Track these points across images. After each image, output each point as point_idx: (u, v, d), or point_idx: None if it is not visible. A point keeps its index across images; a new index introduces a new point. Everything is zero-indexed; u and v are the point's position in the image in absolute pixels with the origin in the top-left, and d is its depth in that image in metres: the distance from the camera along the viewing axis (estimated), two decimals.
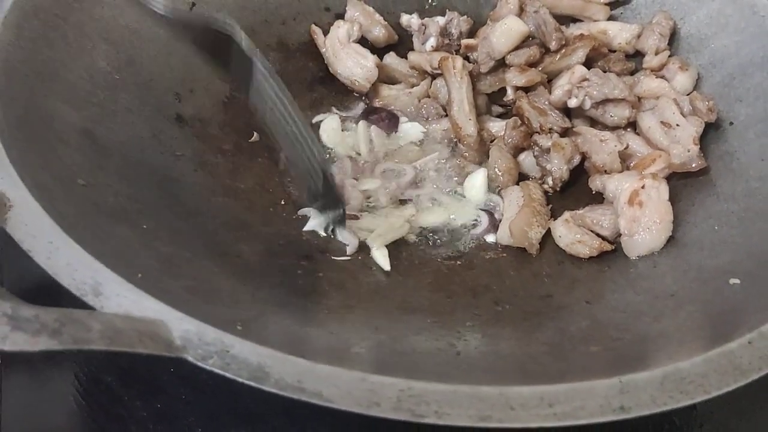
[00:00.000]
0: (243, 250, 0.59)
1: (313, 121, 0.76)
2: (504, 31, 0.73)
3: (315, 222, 0.66)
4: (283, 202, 0.68)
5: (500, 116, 0.78)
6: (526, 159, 0.72)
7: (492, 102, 0.79)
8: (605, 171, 0.67)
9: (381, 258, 0.64)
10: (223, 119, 0.73)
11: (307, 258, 0.62)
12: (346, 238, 0.64)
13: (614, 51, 0.78)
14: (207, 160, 0.67)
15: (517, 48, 0.75)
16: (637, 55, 0.77)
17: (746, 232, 0.57)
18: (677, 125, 0.66)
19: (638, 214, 0.60)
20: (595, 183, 0.67)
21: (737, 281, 0.52)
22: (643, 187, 0.61)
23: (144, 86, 0.68)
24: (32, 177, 0.48)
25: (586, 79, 0.70)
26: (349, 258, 0.64)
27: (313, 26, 0.83)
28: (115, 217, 0.53)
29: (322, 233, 0.65)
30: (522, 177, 0.72)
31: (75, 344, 0.34)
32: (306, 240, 0.65)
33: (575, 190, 0.70)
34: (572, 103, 0.70)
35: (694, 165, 0.65)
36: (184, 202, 0.61)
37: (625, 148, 0.67)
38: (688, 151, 0.65)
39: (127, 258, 0.47)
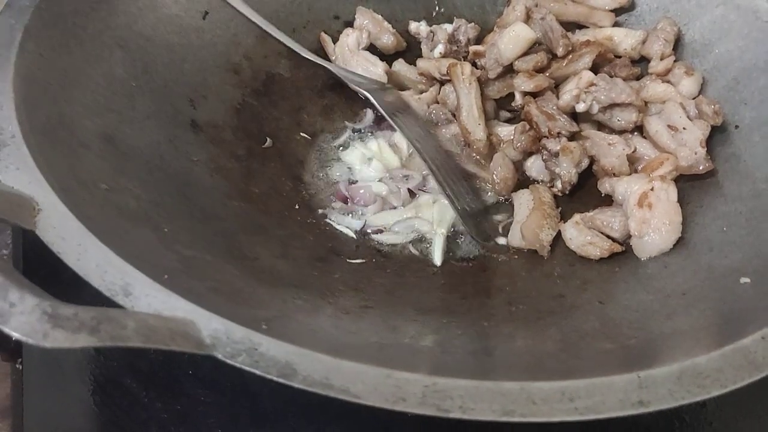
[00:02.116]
0: (261, 253, 0.60)
1: (334, 144, 0.78)
2: (512, 38, 0.75)
3: (346, 226, 0.69)
4: (297, 206, 0.69)
5: (508, 121, 0.79)
6: (535, 163, 0.74)
7: (500, 107, 0.80)
8: (614, 174, 0.68)
9: (439, 246, 0.67)
10: (237, 125, 0.74)
11: (322, 260, 0.63)
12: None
13: (620, 57, 0.79)
14: (222, 165, 0.68)
15: (524, 54, 0.76)
16: (642, 61, 0.79)
17: (754, 231, 0.58)
18: (684, 128, 0.68)
19: (648, 215, 0.62)
20: (604, 186, 0.68)
21: (747, 280, 0.53)
22: (652, 189, 0.62)
23: (159, 93, 0.69)
24: (58, 181, 0.49)
25: (593, 84, 0.71)
26: (363, 261, 0.65)
27: (323, 34, 0.84)
28: (137, 220, 0.54)
29: (352, 234, 0.68)
30: (531, 181, 0.73)
31: (112, 341, 0.35)
32: (321, 243, 0.66)
33: (584, 192, 0.72)
34: (580, 107, 0.72)
35: (701, 167, 0.66)
36: (201, 206, 0.62)
37: (633, 152, 0.68)
38: (696, 154, 0.66)
39: (152, 260, 0.48)
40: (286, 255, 0.62)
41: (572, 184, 0.70)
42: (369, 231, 0.68)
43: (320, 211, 0.70)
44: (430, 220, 0.69)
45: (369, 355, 0.45)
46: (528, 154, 0.75)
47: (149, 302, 0.42)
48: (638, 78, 0.77)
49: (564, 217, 0.68)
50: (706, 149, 0.66)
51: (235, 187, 0.67)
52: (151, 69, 0.69)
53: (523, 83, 0.74)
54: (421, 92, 0.82)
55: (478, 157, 0.75)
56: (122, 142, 0.60)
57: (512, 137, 0.74)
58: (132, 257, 0.45)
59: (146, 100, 0.67)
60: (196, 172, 0.65)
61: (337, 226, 0.68)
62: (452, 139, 0.77)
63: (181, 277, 0.48)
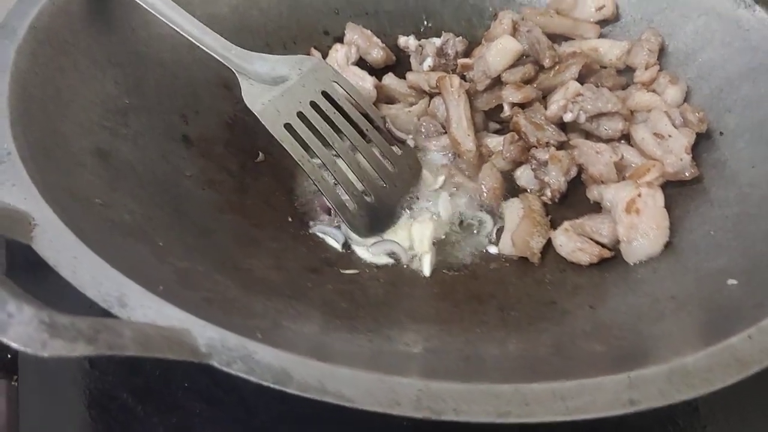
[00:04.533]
0: (254, 264, 0.61)
1: None
2: (499, 50, 0.76)
3: (331, 238, 0.69)
4: (290, 219, 0.70)
5: (497, 132, 0.80)
6: (524, 172, 0.75)
7: (489, 118, 0.81)
8: (602, 181, 0.69)
9: (427, 263, 0.67)
10: (228, 139, 0.74)
11: (315, 271, 0.64)
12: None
13: (605, 67, 0.80)
14: (214, 179, 0.69)
15: (512, 66, 0.77)
16: (628, 71, 0.80)
17: (741, 234, 0.59)
18: (669, 136, 0.69)
19: (636, 221, 0.62)
20: (593, 193, 0.69)
21: (734, 281, 0.54)
22: (639, 195, 0.63)
23: (152, 109, 0.70)
24: (53, 197, 0.50)
25: (580, 95, 0.73)
26: (356, 271, 0.65)
27: (313, 49, 0.85)
28: (131, 234, 0.54)
29: (338, 247, 0.68)
30: (521, 190, 0.74)
31: (110, 350, 0.35)
32: (314, 254, 0.67)
33: (573, 200, 0.72)
34: (567, 117, 0.73)
35: (687, 173, 0.67)
36: (194, 220, 0.62)
37: (620, 159, 0.69)
38: (681, 160, 0.67)
39: (147, 272, 0.48)
40: (280, 266, 0.62)
41: (561, 192, 0.71)
42: (351, 245, 0.69)
43: (312, 223, 0.70)
44: (408, 242, 0.69)
45: (363, 362, 0.46)
46: (517, 163, 0.76)
47: (145, 313, 0.42)
48: (624, 87, 0.78)
49: (554, 225, 0.69)
50: (691, 156, 0.68)
51: (228, 201, 0.68)
52: (143, 86, 0.70)
53: (511, 95, 0.76)
54: (411, 105, 0.83)
55: (468, 167, 0.76)
56: (116, 158, 0.61)
57: (501, 148, 0.76)
58: (127, 269, 0.45)
59: (139, 117, 0.68)
60: (189, 186, 0.66)
61: (325, 238, 0.69)
62: (443, 150, 0.78)
63: (176, 288, 0.49)
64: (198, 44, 0.67)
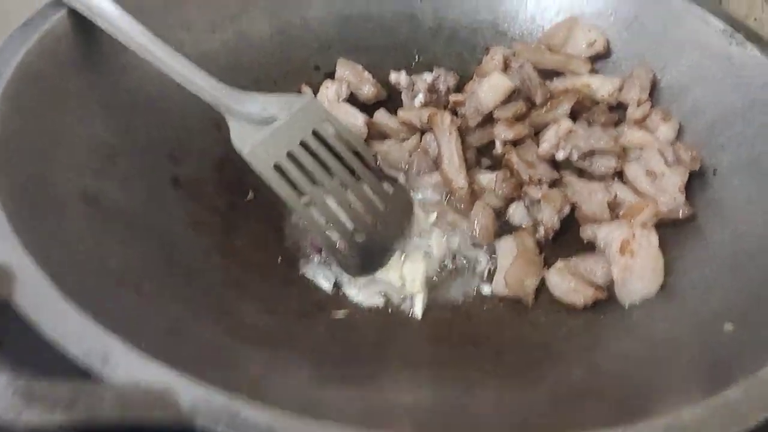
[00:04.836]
0: (243, 310, 0.60)
1: None
2: (491, 88, 0.76)
3: (322, 278, 0.68)
4: (279, 260, 0.69)
5: (489, 168, 0.80)
6: (517, 210, 0.74)
7: (481, 154, 0.81)
8: (595, 220, 0.68)
9: (419, 303, 0.66)
10: (218, 178, 0.74)
11: (306, 315, 0.63)
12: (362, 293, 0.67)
13: (598, 103, 0.80)
14: (203, 221, 0.68)
15: (504, 102, 0.77)
16: (620, 107, 0.80)
17: (737, 275, 0.58)
18: (663, 174, 0.68)
19: (630, 262, 0.62)
20: (587, 232, 0.68)
21: (731, 327, 0.53)
22: (633, 236, 0.63)
23: (141, 150, 0.69)
24: (36, 246, 0.49)
25: (572, 132, 0.72)
26: (347, 314, 0.64)
27: (304, 86, 0.85)
28: (117, 281, 0.53)
29: (328, 288, 0.67)
30: (513, 228, 0.74)
31: (89, 414, 0.34)
32: (304, 296, 0.66)
33: (567, 238, 0.72)
34: (560, 155, 0.72)
35: (681, 213, 0.66)
36: (183, 264, 0.61)
37: (614, 198, 0.69)
38: (675, 200, 0.67)
39: (132, 324, 0.47)
40: (270, 311, 0.61)
41: (555, 230, 0.71)
42: (342, 285, 0.68)
43: (302, 263, 0.69)
44: (400, 282, 0.68)
45: (354, 417, 0.44)
46: (510, 200, 0.75)
47: (128, 370, 0.41)
48: (617, 124, 0.78)
49: (547, 263, 0.69)
50: (685, 195, 0.67)
51: (217, 243, 0.67)
52: (132, 126, 0.69)
53: (503, 132, 0.75)
54: (403, 140, 0.82)
55: (460, 205, 0.75)
56: (103, 202, 0.60)
57: (494, 185, 0.75)
58: (111, 322, 0.44)
59: (128, 158, 0.67)
60: (177, 228, 0.65)
61: (315, 279, 0.68)
62: (435, 187, 0.78)
63: (161, 340, 0.48)
64: (188, 87, 0.67)
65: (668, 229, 0.67)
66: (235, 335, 0.55)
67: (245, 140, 0.67)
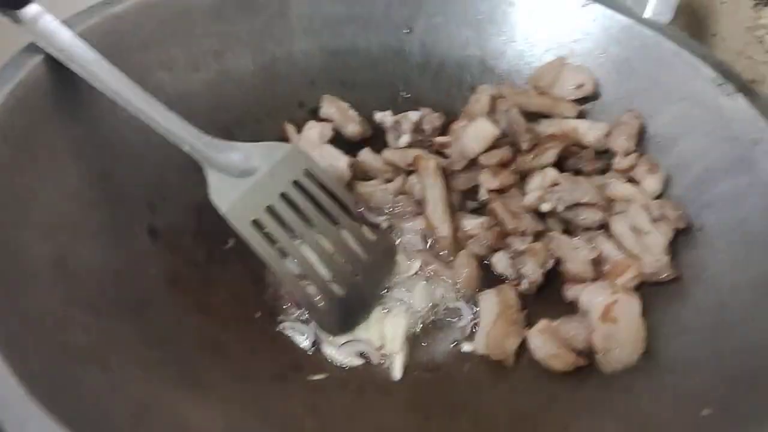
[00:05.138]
0: (215, 378, 0.59)
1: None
2: (476, 134, 0.74)
3: (300, 335, 0.67)
4: (258, 315, 0.68)
5: (476, 210, 0.79)
6: (501, 259, 0.73)
7: (466, 196, 0.79)
8: (578, 279, 0.67)
9: (398, 364, 0.65)
10: (197, 226, 0.72)
11: (281, 379, 0.62)
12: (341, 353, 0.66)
13: (587, 147, 0.78)
14: (180, 275, 0.67)
15: (489, 148, 0.75)
16: (607, 152, 0.78)
17: (719, 351, 0.57)
18: (647, 233, 0.67)
19: (612, 330, 0.61)
20: (569, 294, 0.67)
21: (709, 411, 0.52)
22: (615, 302, 0.62)
23: (117, 200, 0.67)
24: (2, 325, 0.47)
25: (557, 184, 0.71)
26: (325, 376, 0.64)
27: (287, 124, 0.83)
28: (85, 358, 0.52)
29: (307, 346, 0.66)
30: (497, 276, 0.73)
31: None
32: (282, 356, 0.65)
33: (551, 290, 0.71)
34: (545, 207, 0.71)
35: (664, 275, 0.65)
36: (156, 327, 0.60)
37: (598, 255, 0.68)
38: (658, 261, 0.66)
39: (98, 413, 0.46)
40: (244, 377, 0.60)
41: (538, 284, 0.70)
42: (320, 344, 0.67)
43: (281, 317, 0.68)
44: (379, 340, 0.67)
45: None
46: (494, 249, 0.74)
47: None
48: (604, 171, 0.77)
49: (530, 318, 0.68)
50: (669, 257, 0.66)
51: (194, 300, 0.66)
52: (108, 175, 0.68)
53: (487, 181, 0.74)
54: (388, 181, 0.81)
55: (444, 253, 0.74)
56: (74, 264, 0.59)
57: (478, 232, 0.74)
58: (76, 414, 0.43)
59: (102, 211, 0.65)
60: (152, 287, 0.64)
61: (293, 336, 0.67)
62: (418, 232, 0.76)
63: (127, 425, 0.47)
64: (166, 137, 0.65)
65: (652, 289, 0.66)
66: (206, 408, 0.54)
67: (224, 196, 0.65)
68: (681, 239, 0.69)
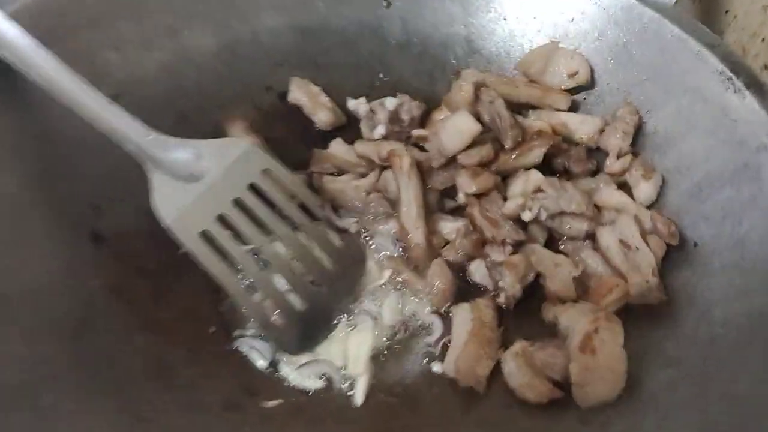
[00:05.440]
0: (159, 409, 0.54)
1: None
2: (455, 131, 0.68)
3: (257, 353, 0.62)
4: (212, 330, 0.63)
5: (454, 211, 0.72)
6: (479, 268, 0.68)
7: (445, 195, 0.73)
8: (559, 299, 0.62)
9: (361, 388, 0.61)
10: (148, 230, 0.65)
11: (234, 407, 0.58)
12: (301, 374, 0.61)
13: (578, 144, 0.72)
14: (126, 287, 0.62)
15: (469, 147, 0.69)
16: (599, 150, 0.72)
17: (706, 391, 0.52)
18: (637, 249, 0.61)
19: (591, 363, 0.56)
20: (548, 315, 0.62)
21: None
22: (596, 330, 0.56)
23: (58, 202, 0.62)
24: None
25: (541, 191, 0.65)
26: (280, 402, 0.59)
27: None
28: (14, 398, 0.47)
29: (263, 366, 0.62)
30: (473, 286, 0.67)
31: None
32: (235, 379, 0.60)
33: (532, 303, 0.65)
34: (526, 216, 0.65)
35: (652, 297, 0.60)
36: (96, 351, 0.55)
37: (581, 273, 0.62)
38: (647, 282, 0.60)
39: None
40: (192, 406, 0.56)
41: (516, 298, 0.64)
42: (279, 363, 0.62)
43: (237, 332, 0.63)
44: (342, 360, 0.62)
45: None
46: (472, 257, 0.68)
47: None
48: (594, 173, 0.71)
49: (508, 333, 0.63)
50: (658, 278, 0.60)
51: (140, 316, 0.61)
52: (49, 174, 0.62)
53: (465, 184, 0.68)
54: (362, 176, 0.75)
55: (417, 261, 0.68)
56: (7, 285, 0.54)
57: (455, 238, 0.68)
58: None
59: (41, 216, 0.60)
60: (95, 302, 0.59)
61: (250, 355, 0.62)
62: (391, 236, 0.71)
63: None
64: (103, 131, 0.59)
65: (638, 311, 0.61)
66: None
67: (169, 203, 0.59)
68: (673, 256, 0.63)
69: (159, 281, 0.64)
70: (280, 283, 0.62)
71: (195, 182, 0.61)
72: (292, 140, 0.77)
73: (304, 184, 0.68)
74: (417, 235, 0.68)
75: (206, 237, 0.59)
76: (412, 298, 0.67)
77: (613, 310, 0.60)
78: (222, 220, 0.60)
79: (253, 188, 0.63)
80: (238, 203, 0.61)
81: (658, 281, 0.60)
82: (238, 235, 0.60)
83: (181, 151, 0.62)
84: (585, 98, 0.75)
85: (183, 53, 0.74)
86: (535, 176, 0.66)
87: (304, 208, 0.66)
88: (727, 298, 0.57)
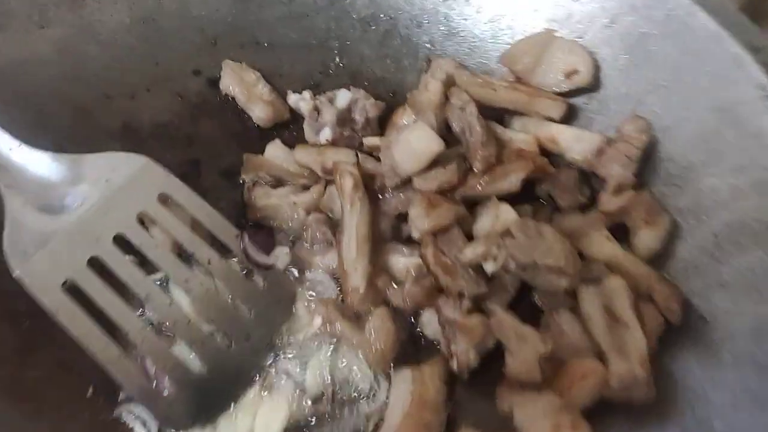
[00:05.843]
0: None
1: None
2: (409, 152, 0.54)
3: (141, 426, 0.51)
4: (90, 392, 0.52)
5: (410, 240, 0.58)
6: (432, 321, 0.55)
7: (404, 218, 0.59)
8: (520, 383, 0.48)
9: None
10: None
11: None
12: None
13: (571, 164, 0.57)
14: None
15: (429, 167, 0.54)
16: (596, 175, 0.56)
17: None
18: (627, 327, 0.47)
19: None
20: (504, 404, 0.49)
21: None
22: None
23: None
24: None
25: (510, 236, 0.50)
26: None
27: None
28: None
29: None
30: (422, 343, 0.55)
31: None
32: None
33: (491, 373, 0.52)
34: (489, 268, 0.51)
35: (638, 394, 0.46)
36: None
37: (550, 350, 0.48)
38: (635, 376, 0.46)
39: None
40: None
41: (470, 367, 0.51)
42: None
43: (122, 395, 0.52)
44: None
45: None
46: (423, 305, 0.55)
47: None
48: (585, 207, 0.56)
49: (456, 413, 0.51)
50: (649, 371, 0.46)
51: (3, 374, 0.49)
52: None
53: (418, 218, 0.53)
54: (304, 188, 0.61)
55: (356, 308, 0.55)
56: None
57: (404, 282, 0.55)
58: None
59: None
60: None
61: (134, 427, 0.50)
62: (329, 272, 0.58)
63: None
64: None
65: (615, 410, 0.47)
66: None
67: (25, 244, 0.47)
68: (675, 329, 0.49)
69: (31, 328, 0.52)
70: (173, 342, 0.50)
71: (66, 213, 0.48)
72: (223, 140, 0.63)
73: (215, 213, 0.54)
74: (355, 278, 0.55)
75: (72, 288, 0.47)
76: (346, 356, 0.54)
77: (584, 405, 0.46)
78: (97, 263, 0.48)
79: (147, 217, 0.50)
80: (121, 240, 0.49)
81: (647, 375, 0.46)
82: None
83: (53, 171, 0.49)
84: (586, 103, 0.59)
85: (86, 29, 0.61)
86: (506, 215, 0.52)
87: (214, 239, 0.53)
88: (736, 406, 0.43)
